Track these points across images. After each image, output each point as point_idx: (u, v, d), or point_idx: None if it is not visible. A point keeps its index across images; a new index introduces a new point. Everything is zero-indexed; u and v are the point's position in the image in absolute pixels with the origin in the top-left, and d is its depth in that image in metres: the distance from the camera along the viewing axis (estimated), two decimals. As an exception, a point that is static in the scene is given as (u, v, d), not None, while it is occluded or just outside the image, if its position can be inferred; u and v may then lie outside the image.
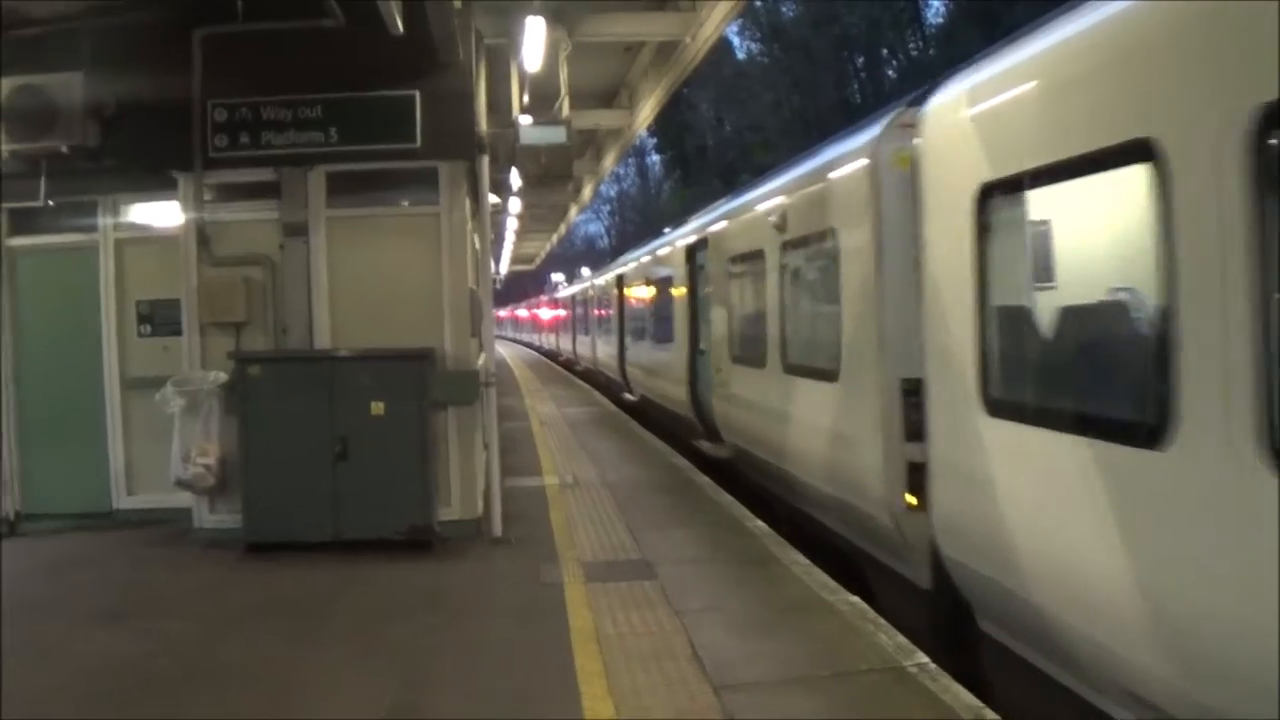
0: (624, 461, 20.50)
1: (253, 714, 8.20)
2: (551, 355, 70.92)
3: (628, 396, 33.62)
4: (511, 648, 9.48)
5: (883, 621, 9.82)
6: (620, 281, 35.84)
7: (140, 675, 9.07)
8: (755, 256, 16.38)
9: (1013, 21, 9.40)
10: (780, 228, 14.80)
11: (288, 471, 13.08)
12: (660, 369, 27.09)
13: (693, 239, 22.39)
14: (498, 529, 13.78)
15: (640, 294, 31.17)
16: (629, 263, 35.24)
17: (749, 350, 17.01)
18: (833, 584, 11.16)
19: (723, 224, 19.41)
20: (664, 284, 26.54)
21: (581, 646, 9.30)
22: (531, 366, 61.63)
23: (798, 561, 12.24)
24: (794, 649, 9.13)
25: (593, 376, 43.55)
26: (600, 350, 41.27)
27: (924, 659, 8.81)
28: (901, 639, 9.30)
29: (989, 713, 7.70)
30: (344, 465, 13.02)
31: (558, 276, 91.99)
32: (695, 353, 22.41)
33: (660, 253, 27.90)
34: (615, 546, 13.25)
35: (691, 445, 21.46)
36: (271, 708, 8.28)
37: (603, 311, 41.39)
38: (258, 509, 13.14)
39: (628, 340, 32.48)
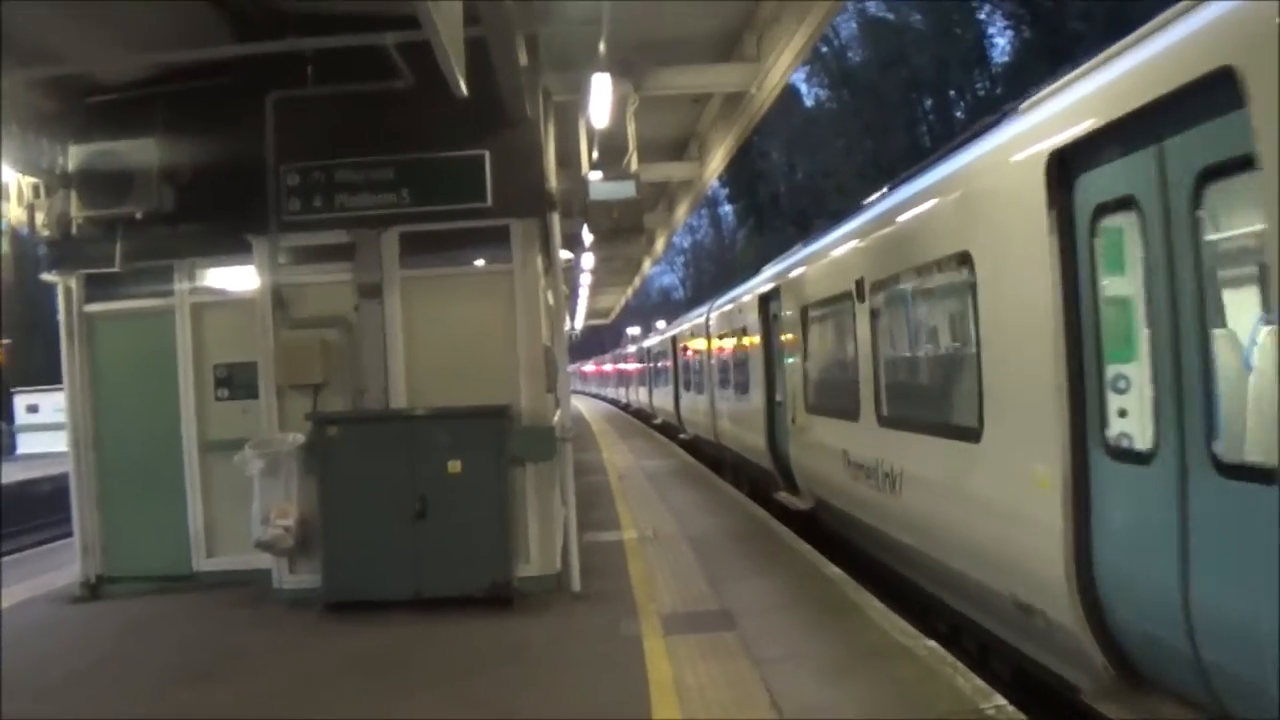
0: (702, 513, 20.43)
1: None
2: (631, 410, 71.18)
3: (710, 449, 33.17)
4: (592, 700, 9.47)
5: (961, 665, 9.76)
6: (697, 333, 35.90)
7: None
8: (840, 300, 15.68)
9: (1078, 55, 9.34)
10: (872, 263, 14.15)
11: (367, 530, 13.17)
12: (740, 419, 26.77)
13: (767, 287, 22.27)
14: (577, 584, 13.75)
15: (718, 345, 31.28)
16: (701, 315, 35.51)
17: (833, 401, 16.50)
18: (911, 629, 11.10)
19: (800, 270, 19.07)
20: (739, 334, 26.71)
21: (660, 698, 9.28)
22: (609, 420, 61.65)
23: (875, 607, 12.19)
24: (873, 694, 9.11)
25: (673, 432, 43.17)
26: (687, 404, 40.01)
27: (1002, 701, 8.77)
28: (980, 682, 9.25)
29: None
30: (423, 523, 13.06)
31: (633, 330, 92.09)
32: (772, 403, 22.41)
33: (733, 304, 28.28)
34: (694, 598, 13.21)
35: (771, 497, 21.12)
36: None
37: (680, 361, 41.57)
38: (338, 568, 13.22)
39: (717, 392, 31.80)
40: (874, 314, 14.20)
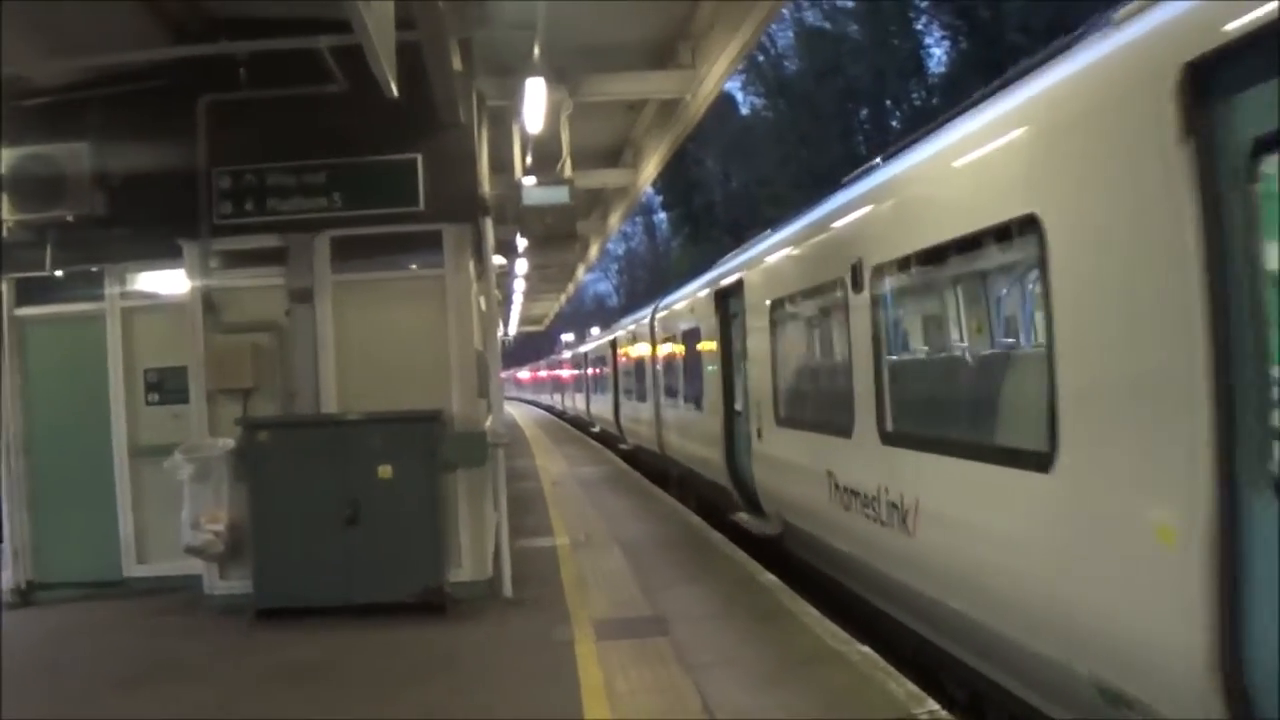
0: (635, 519, 20.49)
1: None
2: (568, 417, 71.24)
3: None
4: (524, 707, 9.48)
5: (894, 671, 9.76)
6: (639, 336, 34.02)
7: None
8: (827, 290, 12.92)
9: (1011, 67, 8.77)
10: (877, 243, 11.13)
11: (298, 536, 13.10)
12: (691, 431, 24.26)
13: (727, 281, 19.56)
14: (508, 589, 13.77)
15: (664, 349, 29.27)
16: (645, 315, 33.59)
17: (814, 412, 14.29)
18: (844, 635, 11.12)
19: (770, 258, 16.38)
20: (690, 336, 24.44)
21: (592, 704, 9.27)
22: (544, 427, 61.63)
23: (810, 613, 12.20)
24: (806, 700, 9.11)
25: (614, 442, 41.93)
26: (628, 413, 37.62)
27: (935, 706, 8.78)
28: (912, 687, 9.27)
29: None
30: (354, 529, 13.01)
31: (568, 336, 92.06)
32: (731, 413, 20.02)
33: (685, 301, 25.73)
34: (627, 604, 13.22)
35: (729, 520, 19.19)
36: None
37: (613, 369, 40.91)
38: (269, 574, 13.14)
39: (663, 400, 29.24)
40: (876, 303, 11.33)
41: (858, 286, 11.71)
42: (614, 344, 41.10)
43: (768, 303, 16.38)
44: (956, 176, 9.41)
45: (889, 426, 10.93)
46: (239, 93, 13.73)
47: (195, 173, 13.94)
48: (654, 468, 30.93)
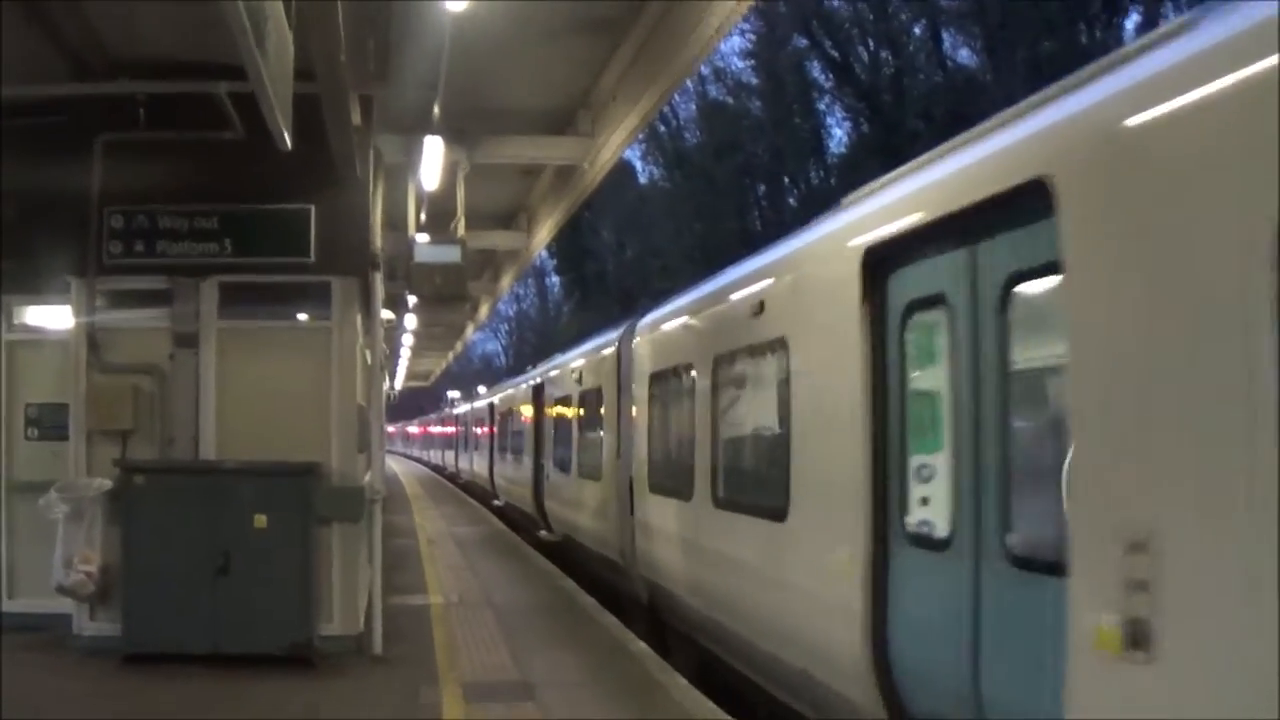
0: (509, 582, 20.40)
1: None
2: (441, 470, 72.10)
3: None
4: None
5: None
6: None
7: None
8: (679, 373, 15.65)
9: (911, 153, 9.51)
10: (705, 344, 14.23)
11: (169, 582, 12.92)
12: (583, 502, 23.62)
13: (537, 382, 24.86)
14: (378, 646, 13.65)
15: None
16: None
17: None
18: (714, 708, 11.19)
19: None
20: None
21: (456, 767, 9.27)
22: (422, 483, 61.41)
23: (679, 685, 12.26)
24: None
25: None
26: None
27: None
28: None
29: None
30: (225, 578, 12.87)
31: (454, 394, 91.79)
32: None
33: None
34: (496, 667, 13.18)
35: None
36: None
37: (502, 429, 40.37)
38: (137, 618, 12.95)
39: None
40: (708, 391, 13.85)
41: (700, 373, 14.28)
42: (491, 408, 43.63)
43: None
44: (741, 304, 12.54)
45: (721, 494, 13.23)
46: (136, 133, 13.64)
47: (88, 210, 13.81)
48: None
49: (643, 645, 14.40)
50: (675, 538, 14.87)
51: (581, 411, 23.76)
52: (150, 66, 13.26)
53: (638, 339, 18.39)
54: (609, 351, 19.72)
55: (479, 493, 46.69)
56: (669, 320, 16.56)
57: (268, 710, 11.19)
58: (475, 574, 21.44)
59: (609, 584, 20.05)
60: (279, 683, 12.23)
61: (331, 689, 12.12)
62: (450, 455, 66.97)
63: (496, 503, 40.22)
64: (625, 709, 11.27)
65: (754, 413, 12.48)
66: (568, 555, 24.35)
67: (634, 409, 17.99)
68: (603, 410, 20.72)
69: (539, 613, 17.08)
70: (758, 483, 12.05)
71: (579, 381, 23.62)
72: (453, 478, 62.80)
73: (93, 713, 11.07)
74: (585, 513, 22.39)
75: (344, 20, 9.69)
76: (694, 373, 14.44)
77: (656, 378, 16.87)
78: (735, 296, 12.98)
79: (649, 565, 16.56)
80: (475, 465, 49.49)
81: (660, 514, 15.83)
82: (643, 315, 18.83)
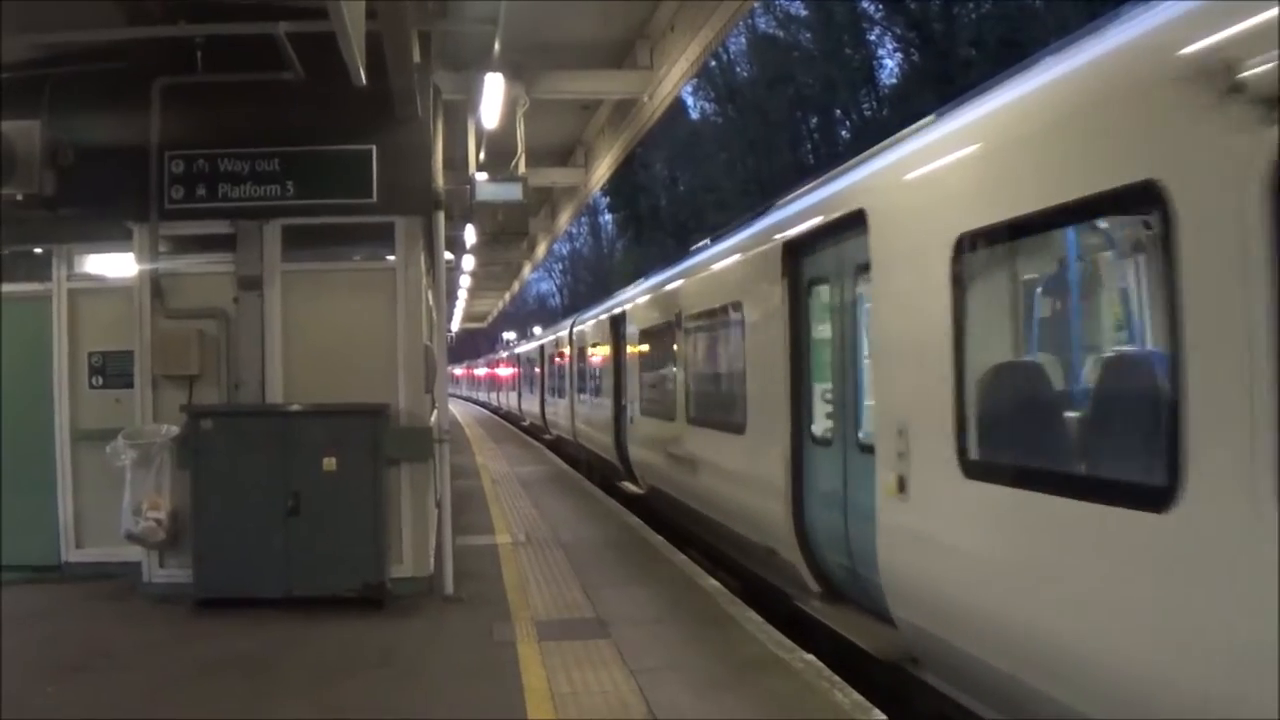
0: (577, 520, 20.44)
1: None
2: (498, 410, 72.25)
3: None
4: (465, 706, 9.39)
5: (839, 680, 9.78)
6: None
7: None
8: (664, 328, 20.88)
9: (966, 83, 10.42)
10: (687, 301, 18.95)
11: (239, 526, 12.97)
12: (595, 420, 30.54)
13: (616, 312, 27.06)
14: (449, 587, 13.67)
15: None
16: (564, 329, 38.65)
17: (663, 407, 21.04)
18: (788, 642, 11.11)
19: (641, 300, 23.68)
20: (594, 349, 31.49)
21: (535, 705, 9.22)
22: (483, 424, 61.53)
23: (752, 619, 12.25)
24: (751, 707, 9.10)
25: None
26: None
27: (880, 716, 8.79)
28: (857, 696, 9.28)
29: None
30: (296, 521, 12.90)
31: (509, 335, 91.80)
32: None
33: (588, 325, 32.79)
34: (569, 605, 13.20)
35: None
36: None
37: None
38: (208, 564, 13.01)
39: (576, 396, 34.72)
40: (685, 338, 18.72)
41: (680, 327, 18.90)
42: (541, 350, 46.56)
43: (638, 330, 23.50)
44: (717, 273, 16.59)
45: (692, 413, 17.97)
46: (195, 76, 13.58)
47: (148, 155, 13.76)
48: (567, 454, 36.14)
49: (714, 582, 14.35)
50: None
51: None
52: (207, 9, 13.14)
53: None
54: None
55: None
56: None
57: (343, 653, 11.23)
58: (540, 512, 21.51)
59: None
60: (353, 624, 12.27)
61: (405, 629, 12.12)
62: (513, 396, 65.00)
63: (546, 437, 43.77)
64: (701, 643, 11.25)
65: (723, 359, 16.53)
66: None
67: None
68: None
69: (608, 550, 17.09)
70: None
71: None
72: (515, 420, 61.85)
73: (166, 660, 11.07)
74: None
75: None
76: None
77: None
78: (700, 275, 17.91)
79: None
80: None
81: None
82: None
